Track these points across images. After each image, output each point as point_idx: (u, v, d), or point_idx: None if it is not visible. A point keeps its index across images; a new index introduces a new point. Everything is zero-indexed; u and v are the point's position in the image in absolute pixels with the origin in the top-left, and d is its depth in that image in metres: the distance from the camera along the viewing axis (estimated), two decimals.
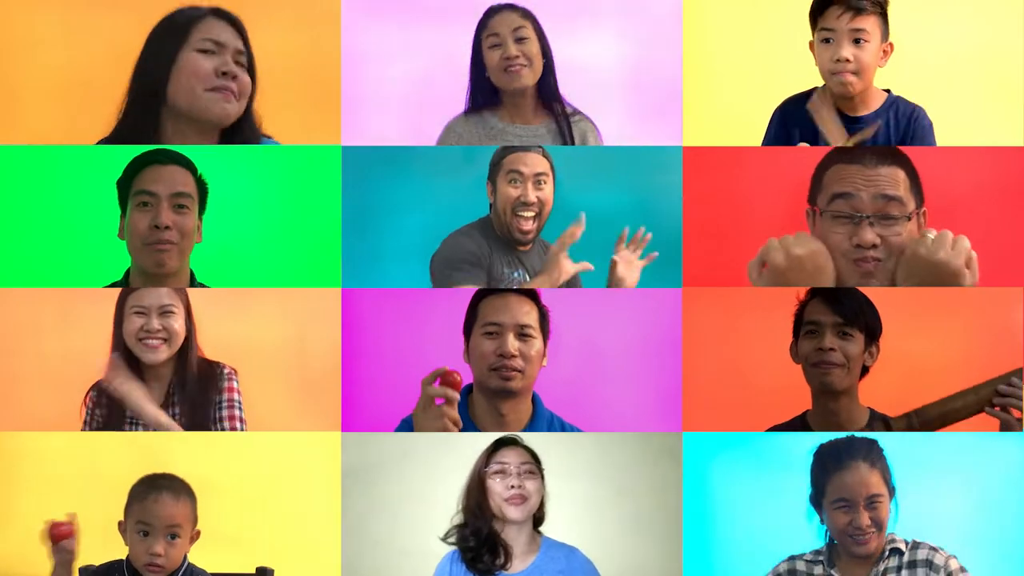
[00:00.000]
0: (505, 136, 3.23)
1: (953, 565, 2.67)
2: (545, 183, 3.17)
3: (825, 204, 2.70)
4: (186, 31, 2.80)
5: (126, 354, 2.85)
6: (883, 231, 2.66)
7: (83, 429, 2.90)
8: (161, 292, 2.84)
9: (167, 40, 2.81)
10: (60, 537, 2.64)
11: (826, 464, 2.72)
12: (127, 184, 2.85)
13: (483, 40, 3.21)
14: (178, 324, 2.84)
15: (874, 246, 2.66)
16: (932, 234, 2.61)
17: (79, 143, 3.03)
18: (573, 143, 3.25)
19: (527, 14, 3.21)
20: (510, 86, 3.21)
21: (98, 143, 2.89)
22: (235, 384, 2.91)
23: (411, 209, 3.31)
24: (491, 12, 3.21)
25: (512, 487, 2.71)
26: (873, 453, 2.71)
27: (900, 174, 2.70)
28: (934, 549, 2.69)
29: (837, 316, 2.78)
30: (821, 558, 2.75)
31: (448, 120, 3.27)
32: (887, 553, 2.69)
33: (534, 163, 3.15)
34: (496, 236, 3.20)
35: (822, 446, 2.75)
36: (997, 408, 2.77)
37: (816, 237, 2.72)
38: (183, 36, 2.80)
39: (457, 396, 2.62)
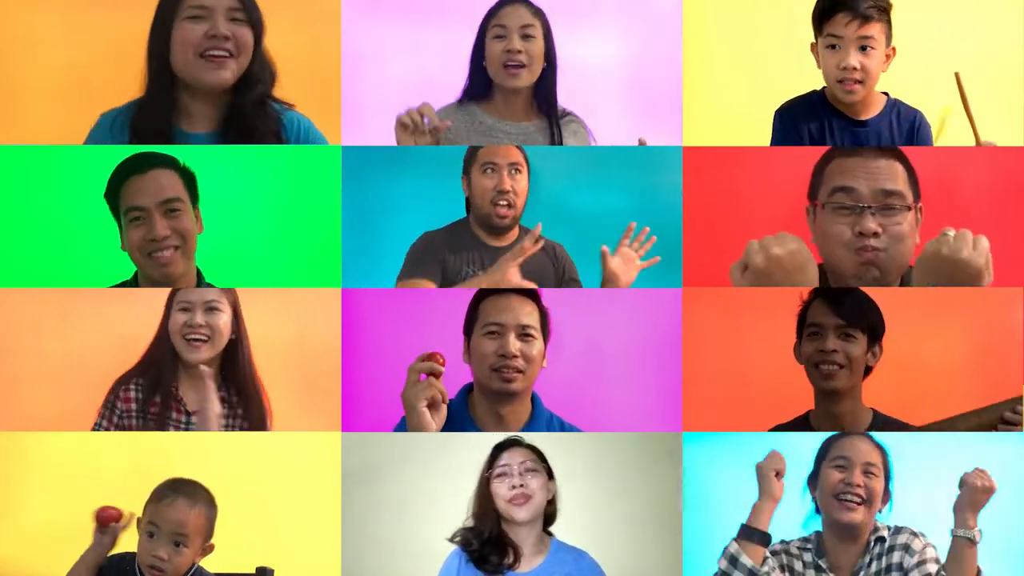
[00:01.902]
0: (494, 133, 3.22)
1: (930, 553, 2.69)
2: (520, 172, 3.15)
3: (826, 197, 2.71)
4: (176, 2, 2.85)
5: (170, 353, 2.86)
6: (884, 220, 2.67)
7: (99, 422, 2.88)
8: (208, 289, 2.86)
9: (164, 12, 2.86)
10: (107, 520, 2.63)
11: (833, 438, 2.78)
12: (114, 198, 2.86)
13: (488, 29, 3.18)
14: (222, 322, 2.85)
15: (875, 235, 2.67)
16: (951, 232, 2.59)
17: (78, 143, 3.03)
18: (562, 144, 3.24)
19: (538, 12, 3.18)
20: (505, 84, 3.20)
21: (119, 111, 2.93)
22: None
23: (411, 209, 3.31)
24: (503, 2, 3.19)
25: (514, 487, 2.71)
26: (879, 445, 2.76)
27: (898, 167, 2.71)
28: (914, 534, 2.72)
29: (838, 318, 2.79)
30: (810, 546, 2.77)
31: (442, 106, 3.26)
32: (872, 543, 2.72)
33: (507, 153, 3.14)
34: (467, 235, 3.19)
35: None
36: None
37: (815, 234, 2.73)
38: (175, 6, 2.85)
39: (442, 371, 2.65)
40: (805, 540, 2.79)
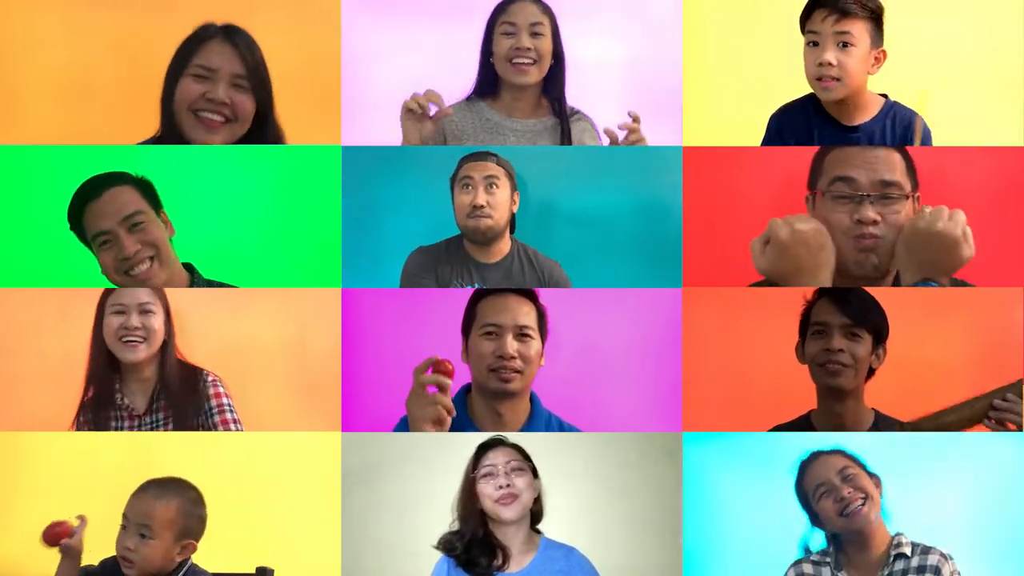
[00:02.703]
0: (500, 130, 3.22)
1: None
2: (496, 187, 3.13)
3: (826, 186, 2.76)
4: (187, 57, 2.85)
5: (106, 355, 2.86)
6: (883, 209, 2.72)
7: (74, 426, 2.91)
8: (140, 291, 2.85)
9: (176, 62, 2.86)
10: (55, 539, 2.63)
11: (799, 478, 2.76)
12: (79, 227, 2.86)
13: (496, 26, 3.19)
14: (157, 323, 2.86)
15: (874, 222, 2.71)
16: (928, 209, 2.67)
17: (79, 143, 3.03)
18: (571, 143, 3.24)
19: (547, 9, 3.19)
20: (513, 80, 3.20)
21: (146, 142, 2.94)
22: (220, 389, 2.93)
23: (411, 209, 3.31)
24: None
25: (501, 487, 2.70)
26: (840, 451, 2.74)
27: (896, 156, 2.77)
28: (944, 557, 2.68)
29: (845, 317, 2.79)
30: (828, 560, 2.74)
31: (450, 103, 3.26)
32: (892, 558, 2.68)
33: (484, 168, 3.12)
34: (460, 251, 3.18)
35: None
36: (993, 422, 2.75)
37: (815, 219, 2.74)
38: (184, 62, 2.85)
39: (449, 383, 2.63)
40: (823, 553, 2.75)
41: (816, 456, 2.75)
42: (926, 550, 2.69)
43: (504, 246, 3.18)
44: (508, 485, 2.70)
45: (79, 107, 3.09)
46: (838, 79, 2.98)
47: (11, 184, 3.12)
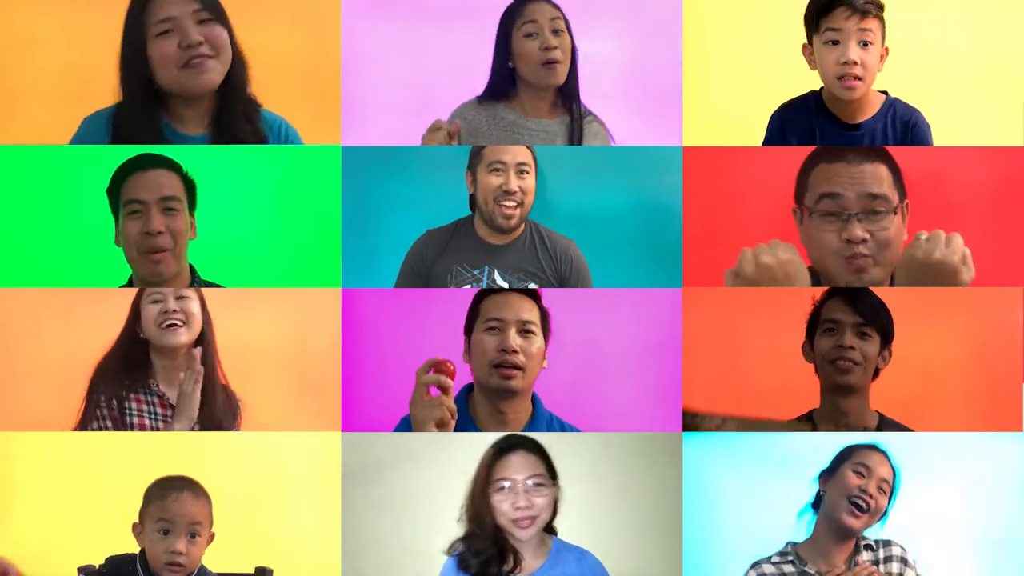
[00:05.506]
0: (516, 129, 3.20)
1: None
2: (527, 173, 3.13)
3: (813, 203, 2.72)
4: (143, 20, 2.83)
5: (141, 348, 2.86)
6: (871, 226, 2.68)
7: (80, 424, 2.88)
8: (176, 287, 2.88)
9: (134, 33, 2.85)
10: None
11: (856, 445, 2.80)
12: (116, 193, 2.89)
13: (515, 28, 3.15)
14: (195, 308, 2.87)
15: (864, 240, 2.68)
16: (925, 235, 2.62)
17: (78, 143, 3.03)
18: (582, 144, 3.23)
19: (558, 7, 3.17)
20: (544, 82, 3.17)
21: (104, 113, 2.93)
22: (241, 417, 2.96)
23: (411, 209, 3.31)
24: (526, 0, 3.17)
25: (519, 508, 2.63)
26: (893, 468, 2.79)
27: (883, 170, 2.71)
28: (905, 562, 2.78)
29: (857, 316, 2.79)
30: (790, 558, 2.77)
31: (457, 105, 3.25)
32: (858, 549, 2.76)
33: (516, 152, 3.12)
34: (470, 234, 3.18)
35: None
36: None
37: (803, 236, 2.74)
38: (143, 26, 2.84)
39: (452, 383, 2.62)
40: (782, 555, 2.80)
41: (881, 453, 2.79)
42: (887, 543, 2.78)
43: (520, 228, 3.18)
44: (528, 507, 2.63)
45: (79, 107, 3.09)
46: (861, 78, 2.98)
47: (11, 184, 3.12)
